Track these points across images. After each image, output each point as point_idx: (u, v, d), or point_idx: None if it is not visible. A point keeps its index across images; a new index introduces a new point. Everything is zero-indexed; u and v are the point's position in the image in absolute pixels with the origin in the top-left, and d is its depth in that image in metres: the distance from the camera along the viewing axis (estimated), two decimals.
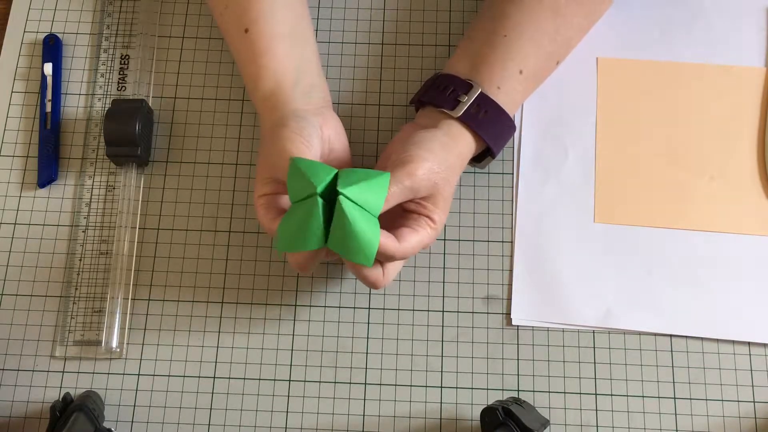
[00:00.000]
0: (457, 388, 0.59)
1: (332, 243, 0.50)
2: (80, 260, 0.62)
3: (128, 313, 0.61)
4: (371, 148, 0.65)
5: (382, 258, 0.52)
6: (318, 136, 0.55)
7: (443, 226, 0.56)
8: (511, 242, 0.62)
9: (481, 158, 0.61)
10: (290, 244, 0.51)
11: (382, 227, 0.51)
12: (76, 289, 0.61)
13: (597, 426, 0.58)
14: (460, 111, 0.57)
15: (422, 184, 0.53)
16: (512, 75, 0.59)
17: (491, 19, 0.60)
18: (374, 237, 0.50)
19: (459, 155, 0.57)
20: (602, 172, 0.64)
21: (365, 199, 0.50)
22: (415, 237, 0.53)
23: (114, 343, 0.60)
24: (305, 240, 0.50)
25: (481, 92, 0.58)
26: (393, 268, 0.55)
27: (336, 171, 0.50)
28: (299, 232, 0.50)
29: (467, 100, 0.57)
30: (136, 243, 0.62)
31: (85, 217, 0.63)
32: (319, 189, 0.49)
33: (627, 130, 0.65)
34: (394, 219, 0.55)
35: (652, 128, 0.65)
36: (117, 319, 0.60)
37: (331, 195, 0.50)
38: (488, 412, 0.53)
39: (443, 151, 0.55)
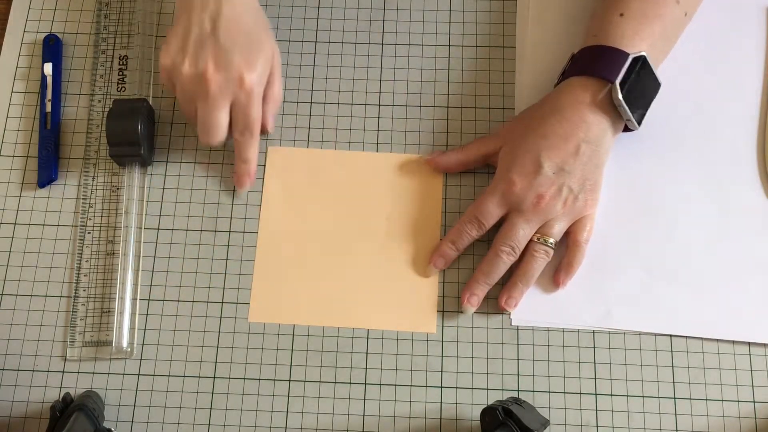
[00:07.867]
0: (457, 388, 0.59)
1: None
2: (84, 261, 0.62)
3: (128, 313, 0.61)
4: (371, 149, 0.65)
5: None
6: None
7: None
8: None
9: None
10: None
11: None
12: (79, 289, 0.61)
13: (597, 426, 0.58)
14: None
15: None
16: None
17: None
18: None
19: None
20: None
21: None
22: None
23: (124, 343, 0.60)
24: None
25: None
26: None
27: None
28: None
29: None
30: (138, 243, 0.62)
31: (90, 218, 0.63)
32: None
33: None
34: None
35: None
36: (126, 319, 0.60)
37: None
38: (488, 412, 0.53)
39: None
